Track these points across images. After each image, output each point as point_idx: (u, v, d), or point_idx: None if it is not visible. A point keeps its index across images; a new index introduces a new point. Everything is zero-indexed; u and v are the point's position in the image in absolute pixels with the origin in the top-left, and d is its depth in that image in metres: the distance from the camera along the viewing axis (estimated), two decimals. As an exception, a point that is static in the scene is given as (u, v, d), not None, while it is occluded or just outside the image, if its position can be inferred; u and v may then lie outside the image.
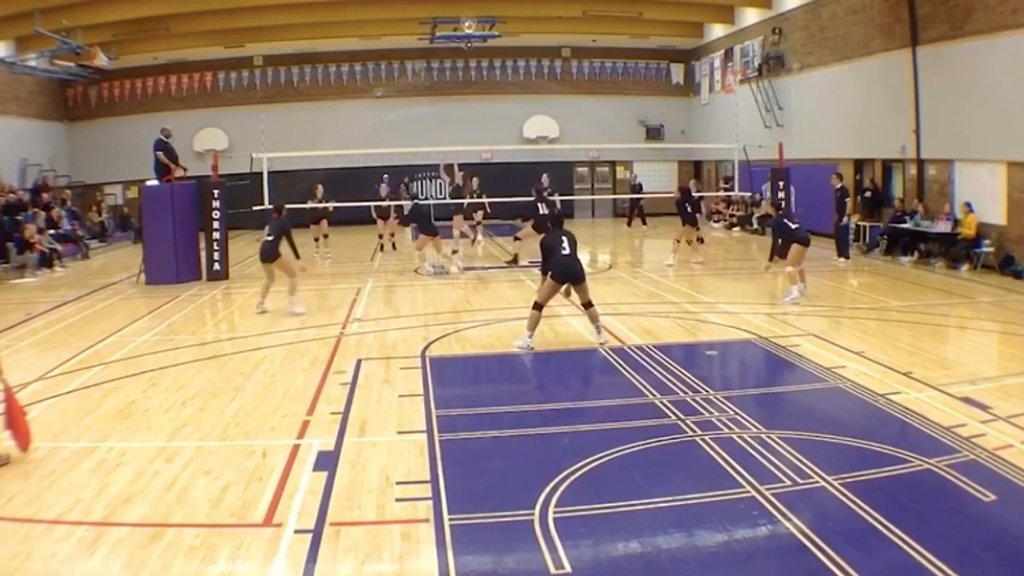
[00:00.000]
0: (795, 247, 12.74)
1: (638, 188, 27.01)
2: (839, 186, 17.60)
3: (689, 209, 17.20)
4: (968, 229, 15.67)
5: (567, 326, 11.36)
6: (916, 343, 9.97)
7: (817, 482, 5.71)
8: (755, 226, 23.33)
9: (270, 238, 12.51)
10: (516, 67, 29.75)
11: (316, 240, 18.95)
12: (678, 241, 17.37)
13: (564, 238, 10.03)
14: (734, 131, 22.06)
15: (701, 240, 18.29)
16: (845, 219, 17.52)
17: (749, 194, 23.20)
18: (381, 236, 20.57)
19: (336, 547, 4.96)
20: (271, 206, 13.83)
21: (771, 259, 13.70)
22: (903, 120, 17.68)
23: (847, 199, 17.66)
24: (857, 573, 4.47)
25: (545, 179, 19.76)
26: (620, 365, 9.16)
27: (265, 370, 9.34)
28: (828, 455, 6.25)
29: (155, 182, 16.77)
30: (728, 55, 26.67)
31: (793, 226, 12.99)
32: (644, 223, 26.07)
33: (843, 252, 17.31)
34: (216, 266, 16.44)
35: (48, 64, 23.09)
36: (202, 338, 11.24)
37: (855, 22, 19.55)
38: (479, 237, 21.39)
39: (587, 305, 10.10)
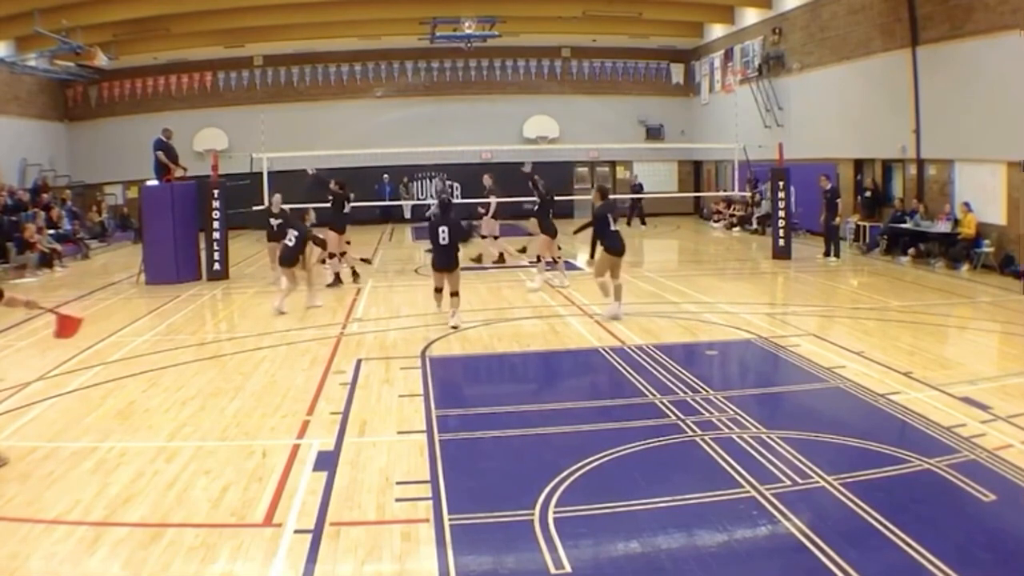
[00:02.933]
0: (602, 255, 11.38)
1: (639, 188, 27.06)
2: (829, 187, 17.82)
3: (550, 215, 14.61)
4: (967, 229, 15.67)
5: (567, 326, 11.36)
6: (916, 343, 9.97)
7: (817, 482, 5.72)
8: (755, 226, 23.34)
9: (291, 243, 12.47)
10: (516, 67, 29.74)
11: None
12: (541, 259, 14.58)
13: (441, 229, 11.12)
14: (734, 131, 22.08)
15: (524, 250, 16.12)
16: (836, 219, 17.63)
17: (749, 194, 23.23)
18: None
19: (336, 547, 4.96)
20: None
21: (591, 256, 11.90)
22: (903, 120, 17.68)
23: (838, 200, 17.82)
24: (857, 573, 4.47)
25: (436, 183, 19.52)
26: (620, 365, 9.16)
27: (265, 370, 9.34)
28: (828, 455, 6.25)
29: (155, 182, 16.78)
30: (728, 55, 26.67)
31: (612, 228, 11.46)
32: (643, 223, 26.13)
33: (834, 251, 17.54)
34: (216, 266, 16.43)
35: (48, 64, 23.12)
36: (202, 338, 11.24)
37: (855, 22, 19.55)
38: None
39: (453, 294, 11.31)
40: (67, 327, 7.01)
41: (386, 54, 28.72)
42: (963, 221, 15.82)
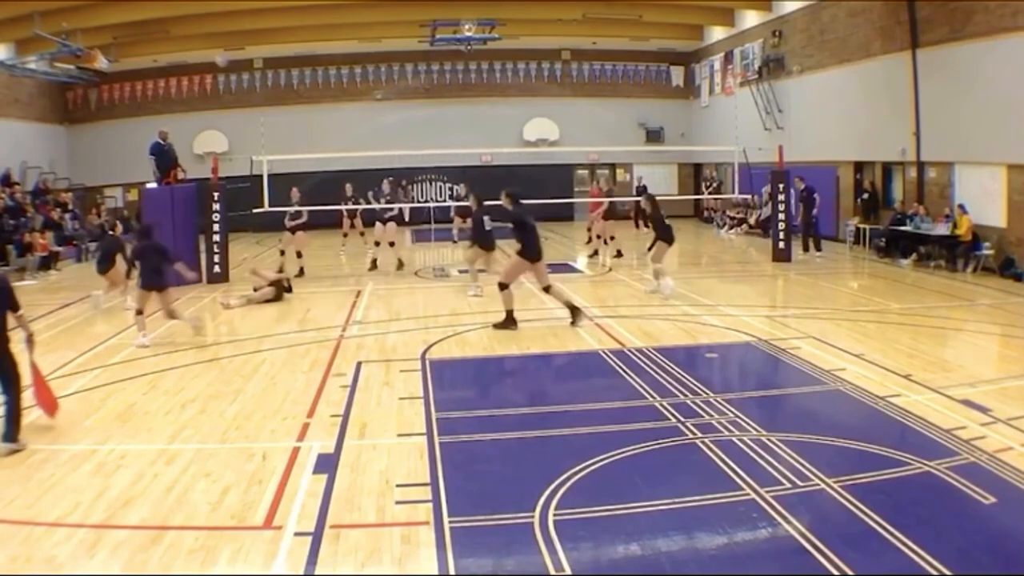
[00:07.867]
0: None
1: (643, 190, 27.06)
2: (803, 187, 18.73)
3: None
4: (959, 229, 15.66)
5: (566, 328, 11.35)
6: (916, 345, 9.97)
7: (817, 485, 5.71)
8: (752, 225, 23.46)
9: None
10: (516, 70, 29.78)
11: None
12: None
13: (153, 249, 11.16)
14: (734, 134, 22.06)
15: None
16: (813, 217, 18.77)
17: (750, 195, 23.22)
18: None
19: (336, 549, 4.96)
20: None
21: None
22: (903, 122, 17.69)
23: (815, 196, 18.80)
24: (857, 576, 4.47)
25: (348, 188, 19.78)
26: (620, 368, 9.16)
27: (265, 373, 9.34)
28: (828, 458, 6.25)
29: (154, 185, 16.78)
30: (728, 58, 26.69)
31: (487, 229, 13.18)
32: (637, 226, 26.13)
33: (815, 246, 18.63)
34: (216, 268, 16.44)
35: (48, 67, 23.11)
36: (202, 341, 11.24)
37: (855, 24, 19.57)
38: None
39: (171, 316, 11.21)
40: (47, 402, 7.46)
41: (386, 57, 28.76)
42: (958, 223, 15.83)
